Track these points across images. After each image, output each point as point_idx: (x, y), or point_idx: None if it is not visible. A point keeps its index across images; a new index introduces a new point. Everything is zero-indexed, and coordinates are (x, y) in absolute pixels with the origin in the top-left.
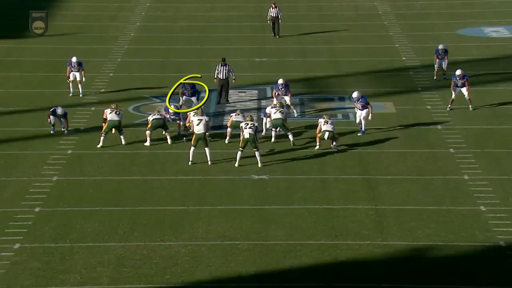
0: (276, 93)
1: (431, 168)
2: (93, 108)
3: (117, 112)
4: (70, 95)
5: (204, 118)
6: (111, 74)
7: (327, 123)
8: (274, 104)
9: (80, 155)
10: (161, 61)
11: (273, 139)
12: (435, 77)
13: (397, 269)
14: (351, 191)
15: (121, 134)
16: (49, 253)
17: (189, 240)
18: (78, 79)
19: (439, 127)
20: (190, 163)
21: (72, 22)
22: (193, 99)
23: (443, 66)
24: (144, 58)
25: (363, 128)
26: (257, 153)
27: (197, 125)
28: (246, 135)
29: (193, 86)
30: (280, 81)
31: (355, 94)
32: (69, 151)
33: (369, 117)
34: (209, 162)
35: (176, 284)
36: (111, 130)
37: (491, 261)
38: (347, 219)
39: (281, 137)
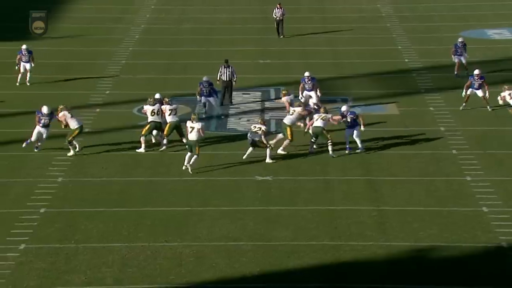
0: (303, 87)
1: (434, 169)
2: (98, 110)
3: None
4: (18, 81)
5: (197, 125)
6: (116, 76)
7: (319, 119)
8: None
9: (84, 156)
10: (166, 63)
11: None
12: (455, 72)
13: (400, 270)
14: (354, 192)
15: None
16: (54, 253)
17: (193, 241)
18: (28, 68)
19: (441, 128)
20: (184, 167)
21: (78, 24)
22: (211, 99)
23: (463, 61)
24: (148, 60)
25: (360, 145)
26: (267, 150)
27: (190, 132)
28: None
29: (210, 83)
30: (307, 73)
31: (344, 108)
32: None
33: (362, 128)
34: (189, 167)
35: (180, 284)
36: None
37: (493, 261)
38: (350, 220)
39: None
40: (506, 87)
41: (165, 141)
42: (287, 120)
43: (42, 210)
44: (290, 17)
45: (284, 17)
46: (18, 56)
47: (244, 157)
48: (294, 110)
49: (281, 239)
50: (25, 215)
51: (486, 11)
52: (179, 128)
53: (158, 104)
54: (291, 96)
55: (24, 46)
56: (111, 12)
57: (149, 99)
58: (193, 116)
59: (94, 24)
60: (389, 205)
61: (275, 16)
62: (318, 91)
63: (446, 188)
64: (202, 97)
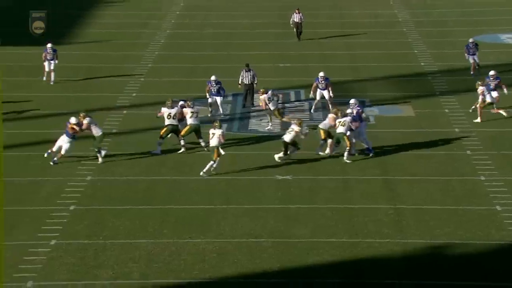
0: (316, 86)
1: (449, 169)
2: (125, 112)
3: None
4: (44, 78)
5: (217, 132)
6: (142, 79)
7: (340, 125)
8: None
9: (112, 156)
10: (190, 67)
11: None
12: (471, 72)
13: (416, 266)
14: (371, 191)
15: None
16: (83, 249)
17: (216, 238)
18: (52, 68)
19: (456, 130)
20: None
21: (106, 29)
22: (218, 99)
23: (476, 60)
24: (173, 64)
25: (370, 147)
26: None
27: (211, 138)
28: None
29: (218, 82)
30: (321, 73)
31: (352, 101)
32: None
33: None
34: (203, 173)
35: (203, 279)
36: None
37: (506, 258)
38: (367, 218)
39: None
40: (479, 82)
41: (182, 142)
42: (321, 124)
43: (71, 208)
44: (308, 22)
45: (302, 22)
46: (44, 54)
47: (277, 158)
48: (329, 117)
49: (300, 236)
50: (55, 212)
51: (499, 16)
52: (198, 131)
53: (175, 108)
54: (269, 95)
55: (49, 45)
56: (139, 17)
57: (167, 102)
58: (215, 124)
59: (122, 29)
60: (405, 203)
61: (292, 23)
62: (330, 91)
63: (461, 187)
64: (212, 97)
